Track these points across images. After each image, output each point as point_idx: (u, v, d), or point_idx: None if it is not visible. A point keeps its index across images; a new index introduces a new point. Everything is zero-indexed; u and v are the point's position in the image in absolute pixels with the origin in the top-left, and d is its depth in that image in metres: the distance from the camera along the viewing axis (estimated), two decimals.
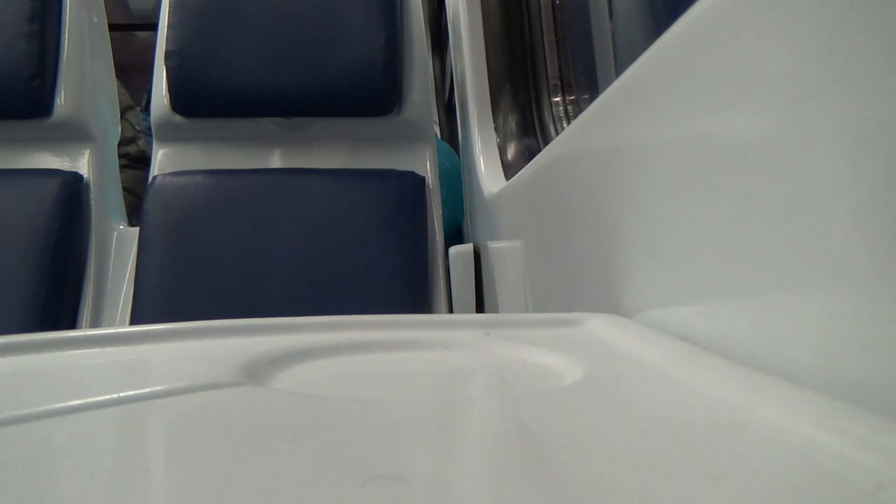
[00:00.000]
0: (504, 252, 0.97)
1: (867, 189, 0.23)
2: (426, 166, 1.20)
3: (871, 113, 0.22)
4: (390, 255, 1.09)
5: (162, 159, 1.20)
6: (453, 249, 1.17)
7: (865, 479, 0.18)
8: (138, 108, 2.12)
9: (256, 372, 0.31)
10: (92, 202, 1.19)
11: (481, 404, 0.28)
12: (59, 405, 0.25)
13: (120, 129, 1.31)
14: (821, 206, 0.25)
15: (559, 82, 1.40)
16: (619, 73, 0.45)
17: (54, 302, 1.11)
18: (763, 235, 0.29)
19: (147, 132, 1.85)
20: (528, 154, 1.32)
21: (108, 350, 0.36)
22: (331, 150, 1.22)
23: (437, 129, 1.41)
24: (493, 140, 1.35)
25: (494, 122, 1.38)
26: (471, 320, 0.44)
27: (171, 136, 1.20)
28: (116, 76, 1.33)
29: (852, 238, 0.24)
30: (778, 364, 0.28)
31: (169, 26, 1.17)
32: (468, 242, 1.20)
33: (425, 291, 1.10)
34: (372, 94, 1.16)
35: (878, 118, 0.22)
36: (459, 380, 0.35)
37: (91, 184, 1.19)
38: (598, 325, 0.41)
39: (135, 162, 1.95)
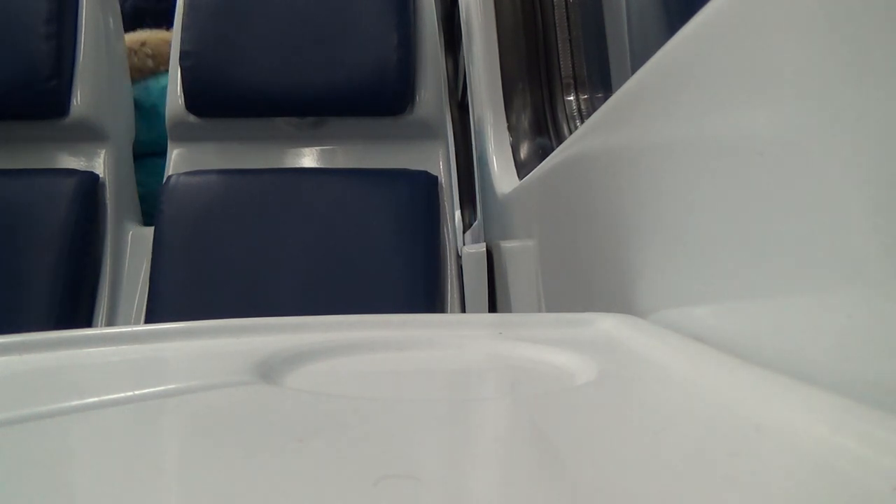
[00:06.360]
0: (517, 252, 0.97)
1: (885, 187, 0.23)
2: (439, 165, 1.20)
3: (888, 110, 0.22)
4: (403, 255, 1.09)
5: (176, 159, 1.21)
6: (466, 249, 1.17)
7: (881, 481, 0.17)
8: None
9: (269, 371, 0.31)
10: (107, 202, 1.20)
11: (494, 404, 0.28)
12: (75, 402, 0.26)
13: (135, 129, 1.32)
14: (837, 204, 0.25)
15: (572, 81, 1.39)
16: (633, 71, 0.45)
17: (70, 300, 1.12)
18: (778, 235, 0.29)
19: None
20: (542, 153, 1.32)
21: (124, 348, 0.36)
22: (344, 150, 1.22)
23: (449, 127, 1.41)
24: (507, 139, 1.35)
25: (507, 121, 1.38)
26: (483, 320, 0.44)
27: (185, 135, 1.21)
28: None
29: (869, 237, 0.23)
30: (793, 364, 0.27)
31: (183, 27, 1.18)
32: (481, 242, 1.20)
33: (438, 291, 1.10)
34: (385, 93, 1.16)
35: (895, 115, 0.22)
36: (472, 379, 0.35)
37: (107, 183, 1.20)
38: (612, 325, 0.41)
39: None
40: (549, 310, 0.80)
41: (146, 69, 1.37)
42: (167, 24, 1.35)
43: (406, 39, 1.17)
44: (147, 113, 1.33)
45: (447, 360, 0.36)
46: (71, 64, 1.20)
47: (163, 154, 1.26)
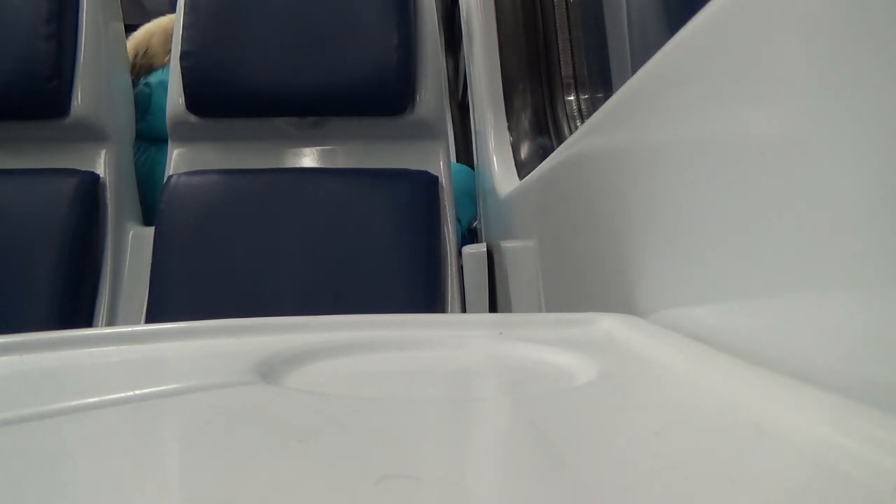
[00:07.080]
0: (517, 251, 0.97)
1: (885, 187, 0.23)
2: (439, 165, 1.20)
3: (888, 110, 0.22)
4: (403, 255, 1.09)
5: (177, 159, 1.21)
6: (466, 249, 1.17)
7: (881, 480, 0.17)
8: None
9: (270, 371, 0.31)
10: (108, 202, 1.20)
11: (494, 404, 0.28)
12: (76, 402, 0.26)
13: (135, 129, 1.32)
14: (838, 204, 0.25)
15: (573, 81, 1.39)
16: (633, 71, 0.45)
17: (71, 300, 1.12)
18: (779, 235, 0.29)
19: None
20: (542, 153, 1.32)
21: (124, 348, 0.36)
22: (344, 150, 1.22)
23: (450, 127, 1.41)
24: (507, 139, 1.35)
25: (508, 121, 1.38)
26: (484, 320, 0.44)
27: (186, 135, 1.21)
28: None
29: (869, 237, 0.23)
30: (793, 364, 0.27)
31: (184, 27, 1.18)
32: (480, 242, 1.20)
33: (438, 291, 1.10)
34: (385, 93, 1.16)
35: (895, 115, 0.22)
36: (472, 379, 0.35)
37: (107, 183, 1.20)
38: (612, 325, 0.41)
39: None
40: (550, 310, 0.80)
41: None
42: None
43: (406, 39, 1.17)
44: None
45: (447, 360, 0.36)
46: (71, 64, 1.19)
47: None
